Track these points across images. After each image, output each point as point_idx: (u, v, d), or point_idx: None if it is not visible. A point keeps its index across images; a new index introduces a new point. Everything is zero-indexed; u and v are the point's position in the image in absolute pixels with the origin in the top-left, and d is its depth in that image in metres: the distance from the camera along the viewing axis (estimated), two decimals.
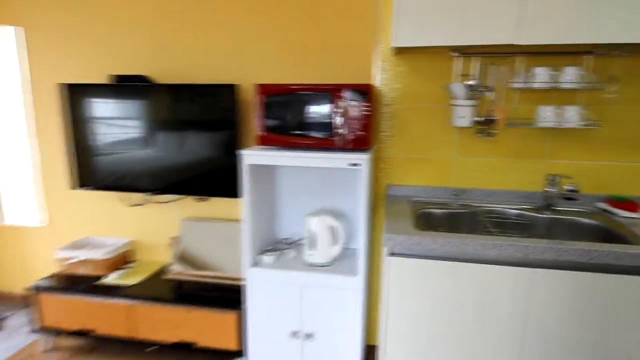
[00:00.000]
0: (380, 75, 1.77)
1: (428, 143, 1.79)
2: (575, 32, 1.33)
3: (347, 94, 1.48)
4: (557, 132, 1.67)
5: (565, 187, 1.52)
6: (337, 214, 1.86)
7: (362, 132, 1.49)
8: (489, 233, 1.63)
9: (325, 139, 1.53)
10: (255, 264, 1.69)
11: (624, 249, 1.20)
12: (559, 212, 1.63)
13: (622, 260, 1.20)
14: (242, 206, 1.98)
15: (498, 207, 1.69)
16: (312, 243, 1.69)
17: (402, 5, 1.43)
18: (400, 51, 1.66)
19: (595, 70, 1.59)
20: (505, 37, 1.38)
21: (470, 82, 1.63)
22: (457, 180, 1.80)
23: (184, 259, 2.09)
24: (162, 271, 2.13)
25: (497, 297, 1.33)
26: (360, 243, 1.57)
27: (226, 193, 1.95)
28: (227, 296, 1.87)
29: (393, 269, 1.38)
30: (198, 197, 2.11)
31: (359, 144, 1.50)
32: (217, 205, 2.11)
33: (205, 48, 1.95)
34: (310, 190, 1.89)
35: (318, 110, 1.51)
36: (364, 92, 1.47)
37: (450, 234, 1.33)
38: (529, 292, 1.30)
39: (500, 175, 1.76)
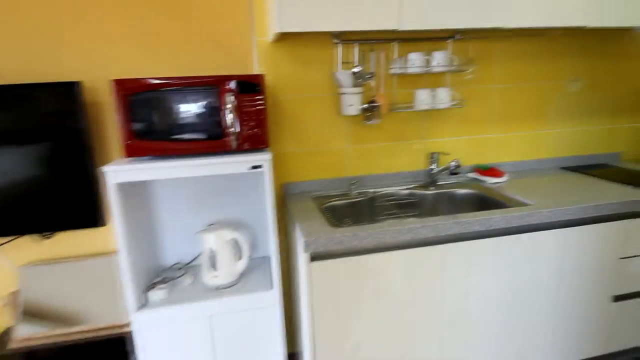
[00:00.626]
0: (259, 65, 1.60)
1: (319, 135, 1.71)
2: (446, 18, 1.41)
3: (235, 87, 1.27)
4: (433, 113, 1.80)
5: (451, 163, 1.64)
6: (236, 225, 1.65)
7: (258, 129, 1.31)
8: (391, 216, 1.66)
9: (215, 141, 1.29)
10: (143, 305, 1.36)
11: (511, 212, 1.35)
12: (442, 186, 1.77)
13: (511, 222, 1.35)
14: (111, 235, 1.58)
15: (391, 190, 1.74)
16: (213, 262, 1.45)
17: None
18: (281, 38, 1.52)
19: (456, 54, 1.75)
20: (389, 23, 1.37)
21: (355, 70, 1.61)
22: (352, 169, 1.78)
23: (33, 317, 1.57)
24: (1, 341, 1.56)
25: (425, 278, 1.35)
26: (271, 252, 1.41)
27: (80, 223, 1.52)
28: (106, 353, 1.47)
29: (317, 274, 1.26)
30: (41, 235, 1.60)
31: (256, 143, 1.32)
32: (69, 240, 1.62)
33: (30, 37, 1.44)
34: (198, 202, 1.62)
35: (201, 107, 1.27)
36: (255, 83, 1.28)
37: (369, 226, 1.28)
38: (448, 267, 1.36)
39: (388, 158, 1.81)
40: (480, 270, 1.39)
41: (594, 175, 1.79)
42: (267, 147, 1.35)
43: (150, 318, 1.33)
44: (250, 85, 1.28)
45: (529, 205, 1.43)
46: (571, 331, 1.56)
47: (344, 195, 1.69)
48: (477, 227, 1.32)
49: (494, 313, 1.46)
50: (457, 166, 1.62)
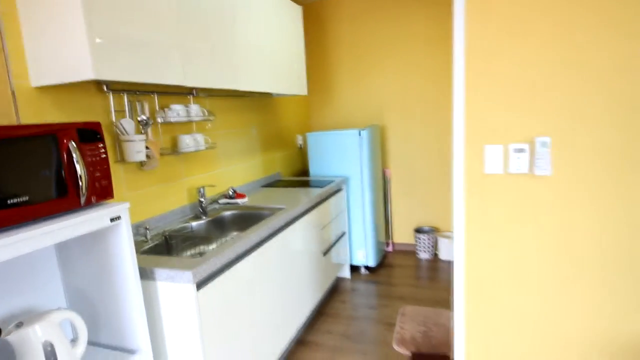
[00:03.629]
0: (19, 114, 1.34)
1: None
2: (214, 80, 1.84)
3: (76, 136, 1.13)
4: (194, 154, 2.11)
5: (229, 190, 2.04)
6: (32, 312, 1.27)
7: (104, 180, 1.21)
8: (195, 245, 1.87)
9: (60, 199, 1.08)
10: None
11: (281, 214, 1.99)
12: (214, 212, 2.13)
13: (286, 219, 1.99)
14: None
15: (178, 226, 1.91)
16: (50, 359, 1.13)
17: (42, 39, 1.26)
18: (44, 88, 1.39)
19: (203, 106, 2.16)
20: (177, 79, 1.63)
21: (140, 118, 1.68)
22: (136, 216, 1.77)
23: None
24: None
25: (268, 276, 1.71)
26: (135, 308, 1.29)
27: None
28: None
29: (203, 299, 1.36)
30: None
31: (104, 195, 1.21)
32: None
33: None
34: None
35: (40, 161, 1.03)
36: (96, 131, 1.19)
37: (214, 250, 1.52)
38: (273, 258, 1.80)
39: (164, 199, 1.94)
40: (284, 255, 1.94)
41: (282, 186, 2.75)
42: (112, 197, 1.25)
43: None
44: (91, 134, 1.17)
45: (283, 208, 2.12)
46: (300, 281, 2.40)
47: (144, 241, 1.69)
48: (281, 222, 1.87)
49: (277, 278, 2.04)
50: (234, 191, 2.06)
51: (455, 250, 1.62)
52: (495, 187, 1.50)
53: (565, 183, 1.41)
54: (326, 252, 2.61)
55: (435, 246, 3.46)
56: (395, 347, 2.18)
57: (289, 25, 2.67)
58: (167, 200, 1.96)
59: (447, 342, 2.16)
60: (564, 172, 1.41)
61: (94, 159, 1.18)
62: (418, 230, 3.51)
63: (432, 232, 3.46)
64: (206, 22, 1.79)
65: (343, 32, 3.50)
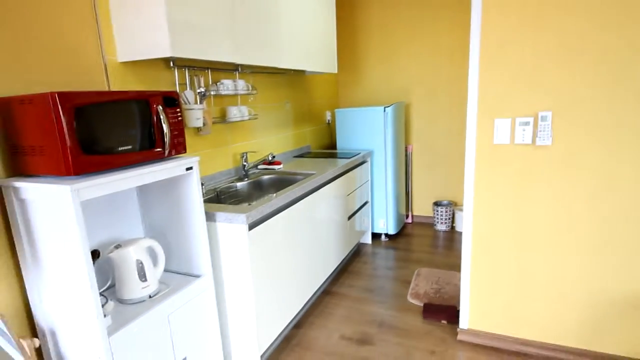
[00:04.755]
0: (111, 84, 1.66)
1: None
2: (255, 58, 2.12)
3: (162, 102, 1.44)
4: (239, 124, 2.42)
5: (269, 156, 2.35)
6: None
7: (181, 138, 1.52)
8: (240, 201, 2.19)
9: (150, 150, 1.40)
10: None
11: (314, 177, 2.28)
12: (254, 175, 2.44)
13: (319, 182, 2.28)
14: None
15: (225, 185, 2.23)
16: (141, 274, 1.47)
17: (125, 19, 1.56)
18: (127, 63, 1.70)
19: (247, 81, 2.45)
20: (231, 57, 1.91)
21: (199, 90, 1.98)
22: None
23: None
24: None
25: (321, 215, 2.02)
26: (201, 242, 1.62)
27: None
28: None
29: (253, 238, 1.68)
30: None
31: (180, 149, 1.53)
32: None
33: None
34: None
35: (137, 120, 1.35)
36: (175, 98, 1.50)
37: (261, 200, 1.83)
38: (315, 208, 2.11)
39: (215, 161, 2.26)
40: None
41: (312, 157, 3.03)
42: (185, 152, 1.57)
43: (125, 338, 1.25)
44: (171, 100, 1.48)
45: (314, 173, 2.41)
46: (328, 239, 2.70)
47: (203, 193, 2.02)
48: (312, 186, 2.16)
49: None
50: (274, 157, 2.36)
51: (465, 212, 1.88)
52: (503, 156, 1.74)
53: (563, 152, 1.64)
54: (350, 217, 2.91)
55: (452, 219, 3.70)
56: (410, 299, 2.48)
57: (322, 7, 2.89)
58: (217, 162, 2.28)
59: (457, 298, 2.43)
60: (562, 142, 1.63)
61: (174, 120, 1.49)
62: (436, 204, 3.75)
63: (449, 205, 3.69)
64: (255, 8, 2.06)
65: (372, 14, 3.68)
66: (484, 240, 1.86)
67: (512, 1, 1.59)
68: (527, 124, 1.67)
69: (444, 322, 2.20)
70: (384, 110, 3.22)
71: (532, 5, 1.57)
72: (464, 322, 2.02)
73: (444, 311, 2.26)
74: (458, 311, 2.24)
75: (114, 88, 1.65)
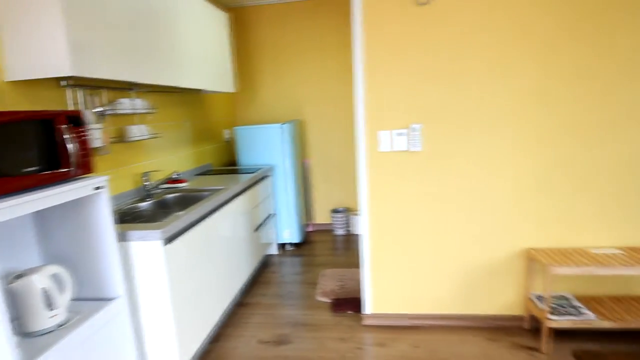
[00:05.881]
0: None
1: None
2: (153, 77, 2.15)
3: (66, 121, 1.41)
4: (139, 143, 2.37)
5: (174, 174, 2.34)
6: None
7: (87, 157, 1.50)
8: (149, 220, 2.16)
9: (55, 172, 1.35)
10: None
11: (223, 192, 2.37)
12: (158, 195, 2.41)
13: (227, 196, 2.37)
14: None
15: (127, 206, 2.18)
16: (49, 302, 1.40)
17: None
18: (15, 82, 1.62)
19: (145, 100, 2.42)
20: (129, 76, 1.92)
21: (97, 109, 1.92)
22: None
23: None
24: None
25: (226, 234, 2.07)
26: (112, 263, 1.59)
27: None
28: None
29: (169, 252, 1.71)
30: None
31: (88, 169, 1.49)
32: None
33: None
34: None
35: (41, 141, 1.31)
36: (79, 117, 1.47)
37: (173, 217, 1.87)
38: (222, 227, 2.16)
39: (115, 182, 2.19)
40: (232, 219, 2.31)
41: (214, 174, 3.09)
42: (92, 172, 1.53)
43: None
44: (76, 119, 1.46)
45: (222, 189, 2.49)
46: (238, 251, 2.80)
47: None
48: (220, 200, 2.24)
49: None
50: (178, 174, 2.36)
51: (361, 211, 2.18)
52: (386, 161, 2.09)
53: (430, 155, 2.05)
54: (257, 229, 3.03)
55: (348, 223, 4.08)
56: (319, 298, 2.70)
57: (216, 29, 3.02)
58: (118, 183, 2.20)
59: (359, 290, 2.73)
60: (429, 148, 2.05)
61: (80, 139, 1.46)
62: (334, 211, 4.10)
63: (345, 211, 4.07)
64: (153, 26, 2.09)
65: (265, 37, 3.93)
66: (378, 235, 2.19)
67: (383, 39, 1.97)
68: (402, 134, 2.05)
69: (350, 312, 2.47)
70: (281, 127, 3.45)
71: (398, 44, 1.97)
72: (368, 308, 2.31)
73: (350, 302, 2.53)
74: (361, 301, 2.54)
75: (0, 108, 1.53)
